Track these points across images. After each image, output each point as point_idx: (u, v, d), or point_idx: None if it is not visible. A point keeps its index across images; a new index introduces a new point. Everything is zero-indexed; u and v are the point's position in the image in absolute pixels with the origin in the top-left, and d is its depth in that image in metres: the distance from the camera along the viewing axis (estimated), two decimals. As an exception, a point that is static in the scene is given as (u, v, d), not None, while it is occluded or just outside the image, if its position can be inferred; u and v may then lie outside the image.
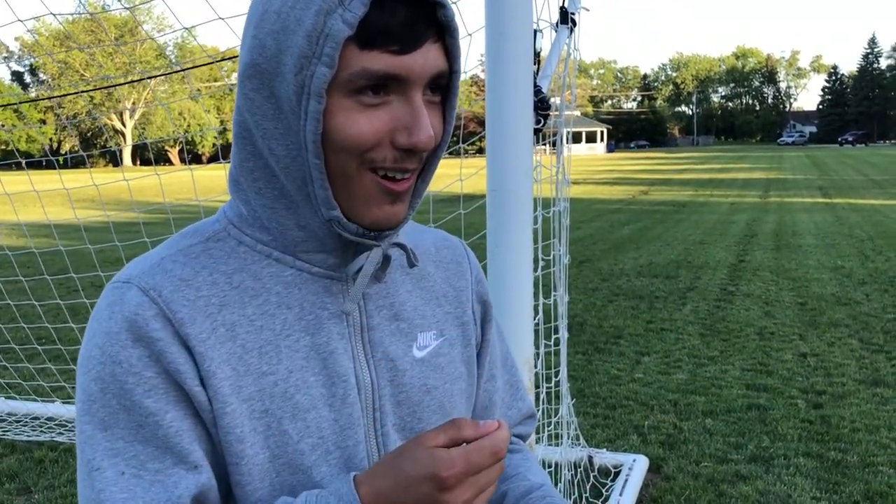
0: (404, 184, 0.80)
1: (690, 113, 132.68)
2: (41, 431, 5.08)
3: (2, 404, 5.55)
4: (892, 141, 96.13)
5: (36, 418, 5.32)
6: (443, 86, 0.81)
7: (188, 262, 0.83)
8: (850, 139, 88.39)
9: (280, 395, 0.82)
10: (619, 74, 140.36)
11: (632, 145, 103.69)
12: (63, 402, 5.49)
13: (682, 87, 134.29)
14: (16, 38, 77.53)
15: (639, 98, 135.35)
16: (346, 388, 0.85)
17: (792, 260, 11.13)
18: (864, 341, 6.77)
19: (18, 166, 7.45)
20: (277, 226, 0.83)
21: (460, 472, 0.73)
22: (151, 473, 0.77)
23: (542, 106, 2.31)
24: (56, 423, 5.24)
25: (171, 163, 66.17)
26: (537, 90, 2.28)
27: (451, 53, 0.80)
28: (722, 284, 9.45)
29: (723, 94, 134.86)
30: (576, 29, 2.79)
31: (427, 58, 0.76)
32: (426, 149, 0.78)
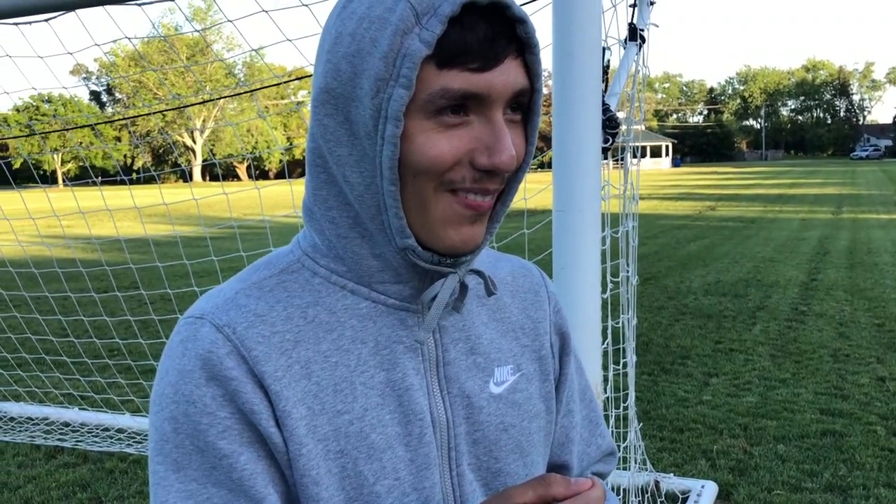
0: (485, 204, 0.77)
1: (758, 127, 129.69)
2: (112, 442, 5.20)
3: (75, 415, 5.71)
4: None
5: (107, 429, 5.46)
6: (523, 104, 0.78)
7: (262, 297, 0.80)
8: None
9: (355, 434, 0.79)
10: (684, 88, 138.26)
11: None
12: (132, 415, 5.61)
13: (749, 100, 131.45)
14: (94, 60, 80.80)
15: (705, 112, 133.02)
16: (421, 427, 0.82)
17: (867, 279, 10.71)
18: (948, 366, 6.45)
19: (94, 182, 7.73)
20: (352, 255, 0.81)
21: None
22: None
23: (610, 124, 2.26)
24: (126, 434, 5.36)
25: (239, 178, 67.76)
26: (605, 108, 2.23)
27: (531, 71, 0.76)
28: (793, 304, 9.15)
29: (792, 107, 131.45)
30: (644, 45, 2.74)
31: (508, 75, 0.74)
32: (508, 170, 0.75)
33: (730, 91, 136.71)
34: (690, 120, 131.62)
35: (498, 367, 0.89)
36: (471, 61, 0.71)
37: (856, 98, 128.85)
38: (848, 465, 4.53)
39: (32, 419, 5.70)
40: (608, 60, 2.40)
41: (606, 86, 2.38)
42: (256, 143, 68.66)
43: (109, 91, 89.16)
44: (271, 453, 0.77)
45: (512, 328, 0.92)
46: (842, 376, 6.25)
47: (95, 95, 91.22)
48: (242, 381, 0.76)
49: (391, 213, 0.75)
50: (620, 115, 2.70)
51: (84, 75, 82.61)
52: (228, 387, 0.75)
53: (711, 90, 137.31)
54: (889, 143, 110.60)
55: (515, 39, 0.74)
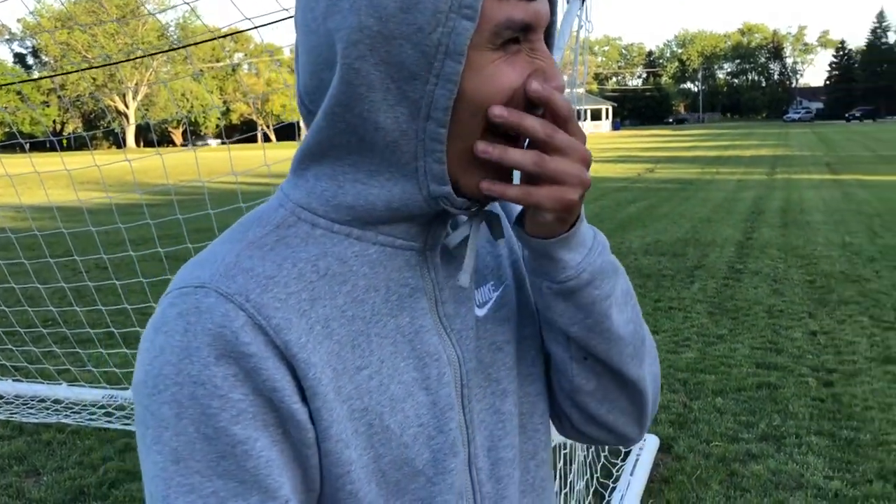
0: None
1: (696, 90, 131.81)
2: (48, 413, 5.07)
3: (8, 387, 5.55)
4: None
5: (42, 401, 5.32)
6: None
7: (266, 256, 0.74)
8: (858, 115, 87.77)
9: (376, 389, 0.75)
10: (623, 51, 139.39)
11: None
12: (69, 385, 5.48)
13: (687, 63, 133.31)
14: (18, 20, 77.36)
15: (644, 75, 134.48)
16: (439, 367, 0.79)
17: (800, 237, 11.05)
18: (875, 318, 6.71)
19: (21, 148, 7.40)
20: (364, 203, 0.75)
21: None
22: None
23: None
24: (63, 405, 5.23)
25: (174, 144, 66.11)
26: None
27: (553, 4, 0.76)
28: (730, 262, 9.39)
29: (728, 70, 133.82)
30: (587, 1, 2.72)
31: (544, 6, 0.73)
32: (561, 94, 0.73)
33: (668, 54, 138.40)
34: (630, 83, 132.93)
35: (478, 287, 0.86)
36: None
37: (789, 61, 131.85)
38: (782, 415, 4.69)
39: (-37, 392, 5.51)
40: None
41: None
42: (192, 107, 66.94)
43: (35, 54, 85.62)
44: (286, 436, 0.71)
45: (489, 241, 0.90)
46: (776, 331, 6.45)
47: (20, 58, 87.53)
48: (262, 356, 0.69)
49: (432, 157, 0.71)
50: (564, 77, 2.67)
51: (7, 37, 79.13)
52: (245, 364, 0.68)
53: (650, 53, 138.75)
54: (820, 105, 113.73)
55: None
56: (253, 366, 0.68)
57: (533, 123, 0.72)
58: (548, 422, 0.93)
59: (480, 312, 0.85)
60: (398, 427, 0.75)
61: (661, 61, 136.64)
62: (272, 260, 0.73)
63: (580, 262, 0.79)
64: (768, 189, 17.97)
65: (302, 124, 0.84)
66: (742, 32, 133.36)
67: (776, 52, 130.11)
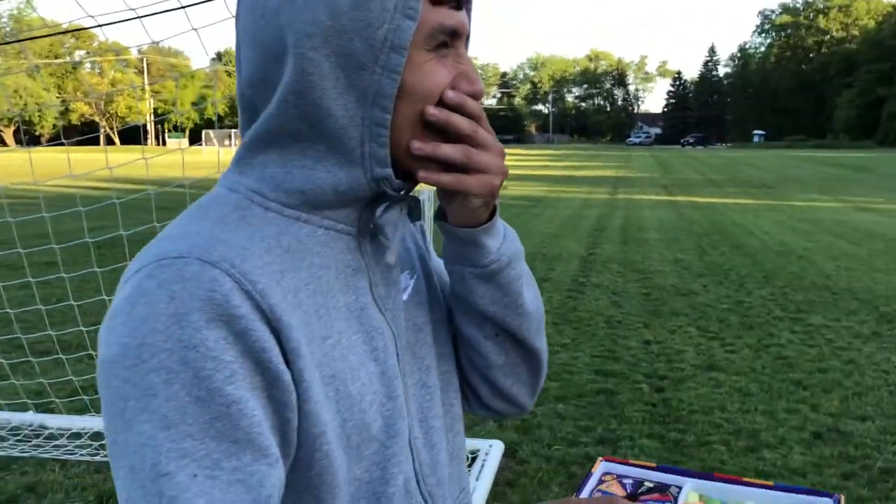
0: None
1: (547, 112, 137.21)
2: None
3: None
4: (729, 144, 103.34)
5: None
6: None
7: (236, 230, 0.77)
8: (691, 141, 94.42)
9: (339, 357, 0.80)
10: (480, 71, 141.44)
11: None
12: None
13: (539, 86, 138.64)
14: None
15: (498, 95, 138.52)
16: (384, 340, 0.86)
17: (638, 253, 11.75)
18: (701, 329, 7.25)
19: None
20: (313, 187, 0.80)
21: None
22: (228, 473, 0.69)
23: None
24: None
25: (5, 144, 61.40)
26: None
27: (469, 15, 0.86)
28: (574, 276, 9.84)
29: (577, 94, 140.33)
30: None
31: (465, 18, 0.84)
32: (482, 96, 0.85)
33: (521, 76, 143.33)
34: (485, 102, 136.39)
35: (399, 274, 0.94)
36: (452, 0, 0.81)
37: (632, 88, 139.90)
38: (617, 419, 4.98)
39: None
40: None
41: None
42: (26, 104, 62.50)
43: None
44: (270, 399, 0.73)
45: (401, 236, 0.98)
46: (614, 340, 6.83)
47: None
48: (251, 318, 0.71)
49: (377, 142, 0.79)
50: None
51: None
52: (236, 327, 0.70)
53: (504, 74, 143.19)
54: (659, 130, 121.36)
55: None
56: (243, 328, 0.70)
57: (460, 120, 0.82)
58: (459, 397, 1.02)
59: (404, 297, 0.93)
60: (358, 394, 0.81)
61: (514, 82, 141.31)
62: (242, 233, 0.77)
63: (499, 247, 0.93)
64: (611, 208, 18.97)
65: (239, 120, 0.88)
66: (590, 59, 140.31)
67: (620, 79, 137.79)
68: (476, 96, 0.83)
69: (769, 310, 8.02)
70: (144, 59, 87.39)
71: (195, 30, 3.78)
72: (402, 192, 0.84)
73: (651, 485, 0.87)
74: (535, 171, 35.64)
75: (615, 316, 7.73)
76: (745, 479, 0.83)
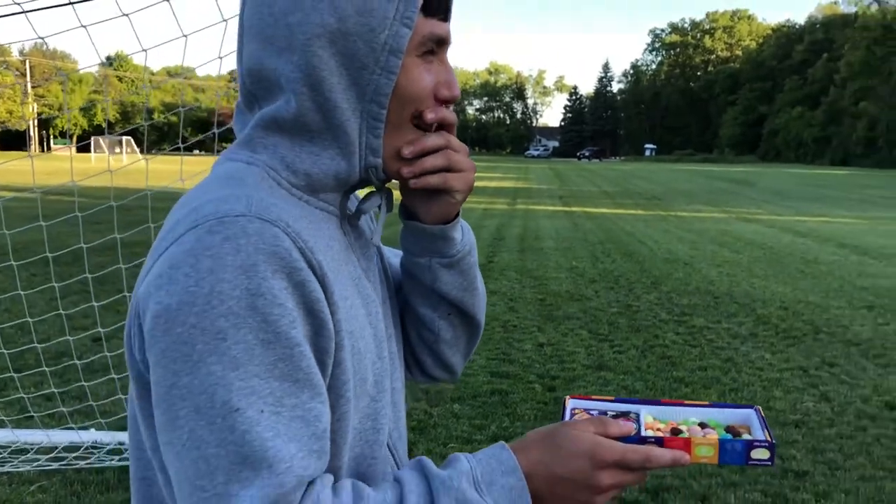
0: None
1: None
2: None
3: None
4: (622, 157, 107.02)
5: None
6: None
7: (273, 195, 0.86)
8: (587, 154, 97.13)
9: (353, 317, 0.90)
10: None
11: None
12: None
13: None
14: None
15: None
16: (376, 307, 0.98)
17: (534, 261, 12.07)
18: (593, 332, 7.53)
19: None
20: (317, 171, 0.90)
21: (617, 460, 0.86)
22: (289, 409, 0.78)
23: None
24: None
25: None
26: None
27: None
28: (472, 283, 10.01)
29: (477, 106, 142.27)
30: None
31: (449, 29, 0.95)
32: (457, 100, 0.96)
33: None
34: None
35: (374, 254, 1.07)
36: (441, 12, 0.92)
37: (530, 102, 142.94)
38: (511, 417, 5.14)
39: None
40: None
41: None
42: None
43: None
44: (315, 346, 0.82)
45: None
46: (510, 343, 7.02)
47: None
48: (307, 271, 0.81)
49: (373, 133, 0.90)
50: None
51: None
52: (296, 278, 0.80)
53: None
54: (557, 144, 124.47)
55: None
56: (301, 279, 0.80)
57: (437, 139, 0.96)
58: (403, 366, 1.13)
59: (377, 274, 1.06)
60: (364, 351, 0.92)
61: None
62: (278, 198, 0.86)
63: (462, 238, 1.06)
64: (510, 218, 19.37)
65: (234, 107, 0.98)
66: (490, 72, 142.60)
67: (519, 93, 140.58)
68: (454, 101, 0.96)
69: (655, 313, 8.41)
70: (27, 62, 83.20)
71: (84, 27, 3.69)
72: (383, 182, 0.97)
73: (614, 413, 0.99)
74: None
75: (511, 321, 7.93)
76: (686, 402, 0.99)
